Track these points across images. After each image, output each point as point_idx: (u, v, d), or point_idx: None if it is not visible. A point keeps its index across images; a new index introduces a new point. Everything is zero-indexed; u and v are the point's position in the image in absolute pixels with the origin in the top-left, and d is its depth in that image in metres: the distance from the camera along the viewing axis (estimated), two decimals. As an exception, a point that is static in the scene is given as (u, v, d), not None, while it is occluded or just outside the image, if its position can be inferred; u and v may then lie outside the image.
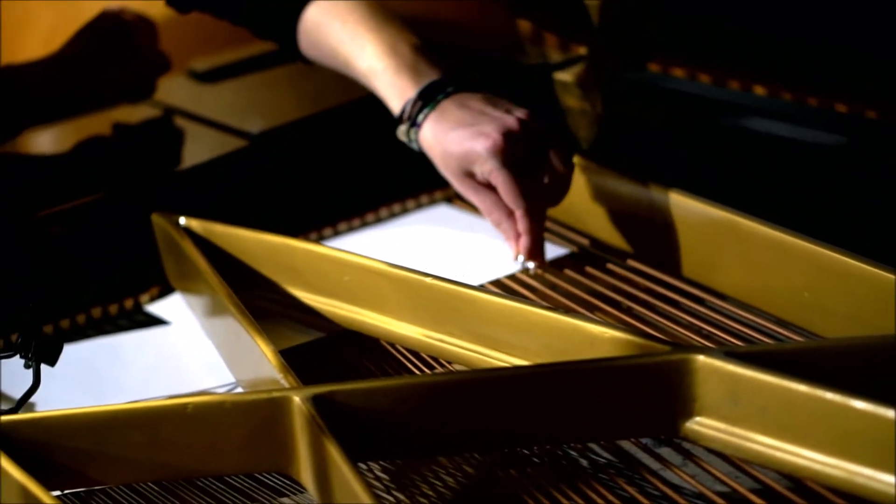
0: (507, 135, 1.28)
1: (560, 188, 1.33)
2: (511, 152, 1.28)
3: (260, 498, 1.08)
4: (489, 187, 1.30)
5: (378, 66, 1.35)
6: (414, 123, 1.32)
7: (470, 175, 1.30)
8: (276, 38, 1.45)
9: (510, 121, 1.29)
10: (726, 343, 1.17)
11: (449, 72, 1.34)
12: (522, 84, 1.62)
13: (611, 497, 1.01)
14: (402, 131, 1.33)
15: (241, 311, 1.18)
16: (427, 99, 1.32)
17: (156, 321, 1.35)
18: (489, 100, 1.32)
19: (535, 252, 1.30)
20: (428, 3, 2.08)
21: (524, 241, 1.30)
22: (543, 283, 1.29)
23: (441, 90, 1.32)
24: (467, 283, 1.18)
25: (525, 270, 1.31)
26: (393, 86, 1.34)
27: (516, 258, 1.31)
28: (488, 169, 1.28)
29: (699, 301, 1.24)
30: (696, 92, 1.52)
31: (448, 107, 1.31)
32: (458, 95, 1.32)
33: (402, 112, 1.33)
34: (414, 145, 1.34)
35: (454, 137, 1.30)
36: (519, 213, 1.29)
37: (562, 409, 1.02)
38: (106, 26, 1.62)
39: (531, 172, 1.30)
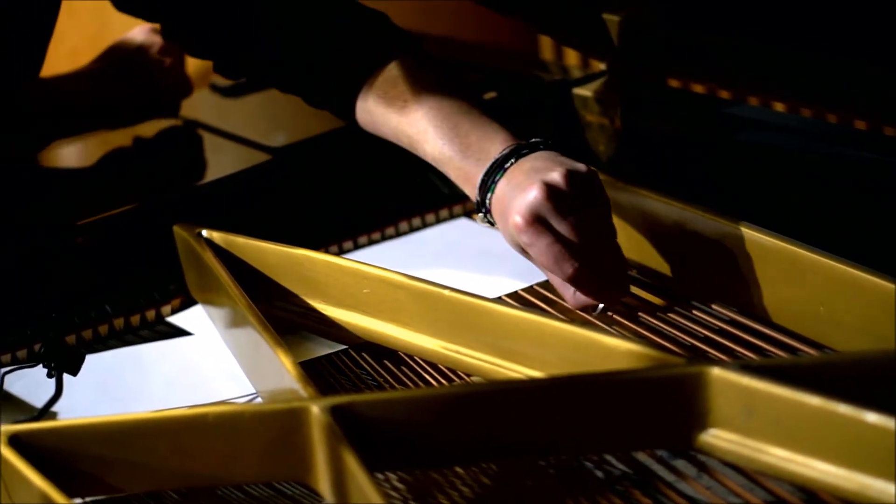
0: (534, 215, 1.22)
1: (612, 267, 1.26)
2: (538, 228, 1.23)
3: (278, 507, 1.09)
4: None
5: (445, 153, 1.31)
6: (487, 211, 1.29)
7: None
8: (335, 114, 1.43)
9: (535, 197, 1.22)
10: (741, 356, 1.18)
11: (506, 141, 1.29)
12: (543, 100, 1.63)
13: (626, 508, 1.02)
14: (480, 219, 1.32)
15: (261, 322, 1.19)
16: (488, 183, 1.28)
17: (178, 332, 1.36)
18: (526, 171, 1.25)
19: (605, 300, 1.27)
20: (451, 21, 2.09)
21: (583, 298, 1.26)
22: (560, 296, 1.30)
23: (499, 168, 1.27)
24: (485, 297, 1.19)
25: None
26: (462, 173, 1.31)
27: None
28: (524, 247, 1.24)
29: (715, 315, 1.25)
30: (716, 108, 1.52)
31: (501, 187, 1.26)
32: (509, 171, 1.27)
33: (477, 201, 1.30)
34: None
35: (500, 220, 1.27)
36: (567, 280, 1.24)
37: (578, 421, 1.02)
38: (133, 47, 1.64)
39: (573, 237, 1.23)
